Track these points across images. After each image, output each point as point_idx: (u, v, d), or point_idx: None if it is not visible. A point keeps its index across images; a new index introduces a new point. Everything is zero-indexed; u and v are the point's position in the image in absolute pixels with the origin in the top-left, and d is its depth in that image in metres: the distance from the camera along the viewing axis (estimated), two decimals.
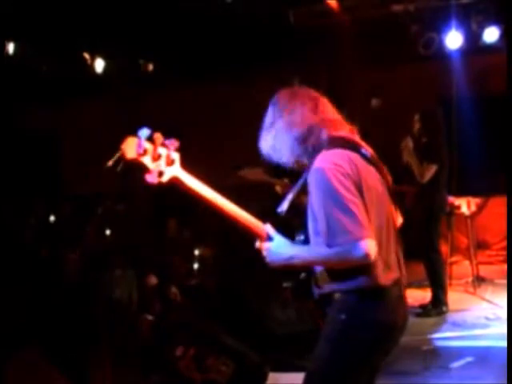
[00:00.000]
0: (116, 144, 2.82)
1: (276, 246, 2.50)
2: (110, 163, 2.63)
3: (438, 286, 6.45)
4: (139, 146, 2.29)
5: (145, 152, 2.31)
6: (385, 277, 2.44)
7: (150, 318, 5.26)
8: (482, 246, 8.53)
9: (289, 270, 2.55)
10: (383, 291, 2.44)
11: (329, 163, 2.39)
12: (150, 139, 2.33)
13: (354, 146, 2.52)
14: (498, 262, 8.48)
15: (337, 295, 2.48)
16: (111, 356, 4.76)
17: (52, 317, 5.35)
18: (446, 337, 5.76)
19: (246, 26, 7.99)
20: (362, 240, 2.29)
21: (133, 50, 8.82)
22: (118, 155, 2.72)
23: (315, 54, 8.33)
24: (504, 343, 5.12)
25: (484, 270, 7.75)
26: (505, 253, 8.45)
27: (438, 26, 8.10)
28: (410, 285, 7.57)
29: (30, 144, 10.00)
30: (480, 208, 7.91)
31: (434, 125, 6.45)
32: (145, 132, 2.32)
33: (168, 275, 6.02)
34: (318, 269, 2.52)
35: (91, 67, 8.78)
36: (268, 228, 2.54)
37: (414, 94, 8.50)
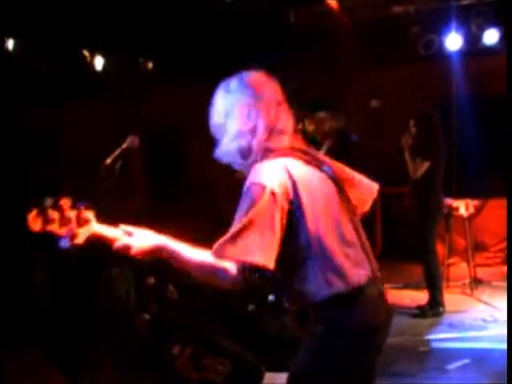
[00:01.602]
0: (116, 142, 2.82)
1: (139, 238, 2.45)
2: (109, 161, 2.63)
3: (435, 288, 6.46)
4: (43, 217, 2.28)
5: (51, 221, 2.30)
6: (356, 276, 2.36)
7: (147, 317, 5.25)
8: (479, 247, 8.54)
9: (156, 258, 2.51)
10: (358, 292, 2.36)
11: (263, 177, 2.30)
12: (56, 206, 2.31)
13: (296, 154, 2.44)
14: (495, 264, 8.49)
15: (310, 309, 2.40)
16: (109, 355, 4.76)
17: (51, 316, 5.35)
18: (442, 338, 5.76)
19: (246, 26, 7.99)
20: (235, 264, 2.26)
21: (132, 49, 8.83)
22: (116, 153, 2.72)
23: (315, 54, 8.33)
24: (501, 345, 5.13)
25: (481, 272, 7.76)
26: (502, 255, 8.46)
27: (438, 27, 8.11)
28: (407, 286, 7.60)
29: (29, 143, 10.00)
30: (478, 210, 7.92)
31: (429, 128, 6.48)
32: (47, 201, 2.32)
33: (165, 274, 6.02)
34: (285, 289, 2.46)
35: (91, 65, 8.78)
36: (123, 227, 2.48)
37: (414, 96, 8.51)
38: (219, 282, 2.35)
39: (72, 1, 6.93)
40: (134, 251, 2.44)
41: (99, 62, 8.81)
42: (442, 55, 8.33)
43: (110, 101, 9.68)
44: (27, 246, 6.77)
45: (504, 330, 5.40)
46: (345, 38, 8.34)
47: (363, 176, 2.71)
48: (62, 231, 2.32)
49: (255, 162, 2.43)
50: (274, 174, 2.32)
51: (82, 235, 2.36)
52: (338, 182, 2.51)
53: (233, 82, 2.53)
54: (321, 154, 2.66)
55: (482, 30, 7.93)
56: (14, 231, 6.95)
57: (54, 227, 2.31)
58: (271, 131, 2.44)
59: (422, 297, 6.67)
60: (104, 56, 8.84)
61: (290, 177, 2.33)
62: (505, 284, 6.85)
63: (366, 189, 2.70)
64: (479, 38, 7.97)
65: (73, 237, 2.34)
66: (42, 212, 2.29)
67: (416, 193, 6.53)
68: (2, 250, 6.23)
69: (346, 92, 8.56)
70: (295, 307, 2.49)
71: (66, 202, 2.34)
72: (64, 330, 5.12)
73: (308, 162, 2.45)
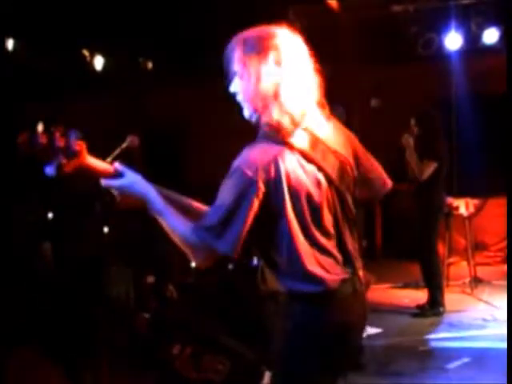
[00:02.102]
0: (116, 141, 2.82)
1: (130, 181, 2.37)
2: (109, 160, 2.62)
3: (435, 287, 6.46)
4: (34, 139, 2.20)
5: (40, 145, 2.20)
6: (333, 279, 2.30)
7: (146, 316, 5.26)
8: (479, 247, 8.55)
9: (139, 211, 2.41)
10: (331, 293, 2.29)
11: (248, 163, 2.25)
12: (47, 132, 2.23)
13: (284, 138, 2.32)
14: (495, 263, 8.50)
15: (281, 297, 2.36)
16: (108, 355, 4.76)
17: (50, 316, 5.35)
18: (442, 338, 5.76)
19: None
20: (230, 241, 2.21)
21: (132, 48, 8.83)
22: (116, 152, 2.71)
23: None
24: (501, 344, 5.13)
25: (481, 271, 7.76)
26: (502, 254, 8.47)
27: (438, 26, 8.12)
28: (407, 285, 7.60)
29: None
30: (478, 209, 7.92)
31: (431, 126, 6.47)
32: (40, 125, 2.24)
33: (165, 273, 6.02)
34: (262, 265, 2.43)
35: (91, 65, 8.78)
36: (117, 165, 2.40)
37: (414, 95, 8.51)
38: (192, 258, 2.32)
39: (72, 1, 6.93)
40: (118, 197, 2.37)
41: (99, 62, 8.82)
42: (441, 54, 8.33)
43: (110, 100, 9.68)
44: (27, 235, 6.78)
45: (504, 329, 5.40)
46: (344, 38, 8.34)
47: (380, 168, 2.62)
48: (50, 157, 2.22)
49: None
50: (259, 161, 2.25)
51: (69, 166, 2.26)
52: (331, 179, 2.39)
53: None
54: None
55: (481, 29, 7.94)
56: (14, 230, 6.97)
57: (42, 152, 2.21)
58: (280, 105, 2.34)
59: (421, 296, 6.67)
60: (104, 56, 8.84)
61: (278, 169, 2.25)
62: (505, 283, 6.85)
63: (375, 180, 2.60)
64: (479, 37, 7.97)
65: (60, 166, 2.24)
66: (32, 135, 2.19)
67: (419, 192, 6.52)
68: (1, 250, 6.24)
69: (345, 91, 8.55)
70: (268, 289, 2.45)
71: (58, 129, 2.25)
72: (64, 330, 5.12)
73: (308, 158, 2.33)
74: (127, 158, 2.59)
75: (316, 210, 2.32)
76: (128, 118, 8.97)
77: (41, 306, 5.65)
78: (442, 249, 7.30)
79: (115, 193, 2.39)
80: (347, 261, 2.39)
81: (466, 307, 6.65)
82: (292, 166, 2.28)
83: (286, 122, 2.32)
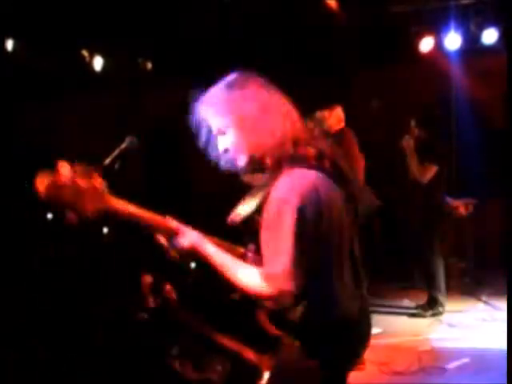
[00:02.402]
0: (114, 142, 2.82)
1: (193, 241, 2.31)
2: (108, 161, 2.62)
3: (435, 288, 6.46)
4: (55, 184, 2.05)
5: (63, 190, 2.04)
6: (349, 308, 2.34)
7: (145, 316, 5.26)
8: (479, 247, 8.54)
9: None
10: (342, 322, 2.32)
11: (295, 196, 2.19)
12: (69, 173, 2.07)
13: (317, 165, 2.33)
14: (494, 263, 8.48)
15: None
16: (108, 355, 4.77)
17: (51, 316, 5.36)
18: (441, 338, 5.76)
19: (245, 26, 7.99)
20: (289, 291, 2.19)
21: (132, 49, 8.83)
22: (115, 154, 2.71)
23: (313, 54, 8.33)
24: (500, 345, 5.13)
25: (481, 272, 7.76)
26: (501, 255, 8.46)
27: (437, 26, 8.11)
28: (407, 286, 7.60)
29: (28, 142, 10.00)
30: (477, 209, 7.92)
31: (432, 128, 6.47)
32: (64, 165, 2.06)
33: (164, 273, 6.02)
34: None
35: (90, 65, 8.78)
36: (172, 222, 2.33)
37: (413, 95, 8.51)
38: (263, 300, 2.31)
39: (71, 1, 6.93)
40: (179, 254, 2.33)
41: (98, 62, 8.81)
42: (441, 54, 8.32)
43: (110, 101, 9.68)
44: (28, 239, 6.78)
45: (503, 329, 5.41)
46: (344, 38, 8.34)
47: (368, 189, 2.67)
48: (73, 202, 2.06)
49: (277, 167, 2.32)
50: (302, 190, 2.22)
51: (93, 209, 2.11)
52: (349, 197, 2.43)
53: (227, 83, 2.42)
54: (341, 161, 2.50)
55: (481, 29, 7.93)
56: (14, 231, 6.97)
57: (66, 196, 2.05)
58: (286, 139, 2.32)
59: (421, 296, 6.68)
60: (103, 56, 8.84)
61: (319, 196, 2.24)
62: (504, 283, 6.85)
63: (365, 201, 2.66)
64: (478, 37, 7.96)
65: (84, 211, 2.09)
66: (54, 177, 2.03)
67: (419, 193, 6.52)
68: (1, 250, 6.24)
69: (345, 92, 8.55)
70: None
71: (78, 170, 2.08)
72: (63, 330, 5.12)
73: (331, 176, 2.35)
74: (126, 159, 2.59)
75: (342, 236, 2.35)
76: (127, 118, 8.97)
77: (41, 306, 5.65)
78: (441, 249, 7.30)
79: (170, 249, 2.34)
80: (358, 283, 2.43)
81: (465, 307, 6.66)
82: (325, 187, 2.28)
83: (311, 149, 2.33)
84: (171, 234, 2.31)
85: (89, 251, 6.50)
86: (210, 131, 2.41)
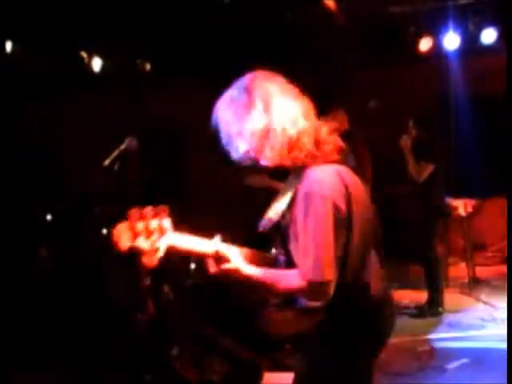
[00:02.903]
0: (114, 143, 2.82)
1: (232, 267, 2.35)
2: (107, 162, 2.62)
3: (434, 287, 6.46)
4: (131, 230, 2.06)
5: (137, 234, 2.07)
6: (379, 290, 2.44)
7: (144, 317, 5.26)
8: (478, 247, 8.54)
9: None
10: (374, 304, 2.43)
11: (325, 190, 2.26)
12: (141, 216, 2.09)
13: (339, 159, 2.41)
14: (494, 263, 8.48)
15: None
16: (108, 356, 4.77)
17: (50, 317, 5.35)
18: (441, 338, 5.76)
19: (244, 26, 7.99)
20: (328, 287, 2.24)
21: (130, 50, 8.82)
22: (114, 155, 2.71)
23: (312, 54, 8.33)
24: (500, 344, 5.14)
25: (480, 272, 7.75)
26: (501, 254, 8.46)
27: (436, 27, 8.11)
28: (406, 286, 7.59)
29: (27, 143, 9.99)
30: (477, 209, 7.92)
31: (429, 128, 6.47)
32: (135, 212, 2.08)
33: (163, 275, 6.02)
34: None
35: (89, 66, 8.78)
36: (219, 246, 2.38)
37: (412, 95, 8.52)
38: (309, 302, 2.33)
39: (69, 2, 6.92)
40: (227, 281, 2.42)
41: (97, 64, 8.81)
42: (439, 55, 8.33)
43: (109, 102, 9.67)
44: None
45: (503, 329, 5.41)
46: (342, 39, 8.33)
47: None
48: (148, 245, 2.08)
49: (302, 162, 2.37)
50: (331, 183, 2.30)
51: (162, 247, 2.13)
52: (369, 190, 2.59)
53: (238, 87, 2.45)
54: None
55: (479, 29, 7.93)
56: (13, 231, 6.97)
57: (142, 242, 2.07)
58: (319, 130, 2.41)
59: (420, 297, 6.67)
60: (102, 57, 8.84)
61: (345, 186, 2.32)
62: (503, 283, 6.85)
63: None
64: (477, 37, 7.97)
65: (156, 250, 2.10)
66: (130, 225, 2.06)
67: (418, 193, 6.52)
68: (1, 250, 6.24)
69: (343, 92, 8.55)
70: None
71: (148, 212, 2.10)
72: (63, 331, 5.12)
73: (354, 170, 2.45)
74: (125, 160, 2.60)
75: (368, 224, 2.44)
76: (127, 119, 8.96)
77: (40, 306, 5.65)
78: (440, 249, 7.30)
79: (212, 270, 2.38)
80: (382, 264, 2.56)
81: (465, 307, 6.65)
82: (350, 178, 2.37)
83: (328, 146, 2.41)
84: (217, 259, 2.36)
85: (88, 252, 6.50)
86: (229, 133, 2.43)
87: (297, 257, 2.32)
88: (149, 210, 2.09)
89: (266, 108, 2.35)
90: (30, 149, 9.73)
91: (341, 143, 2.45)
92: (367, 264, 2.43)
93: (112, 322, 5.19)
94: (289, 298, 2.40)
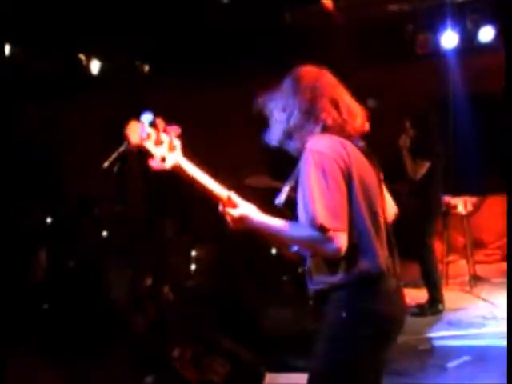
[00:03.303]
0: (113, 145, 2.82)
1: (242, 212, 2.49)
2: (107, 164, 2.62)
3: (433, 285, 6.47)
4: (142, 130, 2.33)
5: (148, 137, 2.35)
6: (384, 259, 2.44)
7: (144, 318, 5.26)
8: (478, 245, 8.54)
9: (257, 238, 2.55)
10: (381, 280, 2.41)
11: (321, 147, 2.41)
12: (153, 124, 2.36)
13: (348, 135, 2.55)
14: (494, 261, 8.49)
15: (333, 294, 2.43)
16: (108, 357, 4.77)
17: (50, 316, 5.36)
18: (442, 336, 5.76)
19: (244, 26, 7.99)
20: (338, 233, 2.29)
21: (129, 52, 8.82)
22: (114, 156, 2.72)
23: (311, 54, 8.32)
24: (500, 342, 5.14)
25: (480, 269, 7.76)
26: (501, 252, 8.47)
27: (434, 25, 8.11)
28: (406, 284, 7.59)
29: (27, 143, 9.99)
30: (476, 207, 7.92)
31: (426, 127, 6.49)
32: (147, 117, 2.35)
33: (164, 276, 6.03)
34: (310, 260, 2.51)
35: (87, 68, 8.78)
36: (232, 195, 2.53)
37: (410, 94, 8.51)
38: (323, 253, 2.38)
39: (68, 4, 6.92)
40: (234, 226, 2.52)
41: (95, 66, 8.81)
42: (437, 53, 8.33)
43: (109, 103, 9.67)
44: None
45: (503, 327, 5.41)
46: (340, 38, 8.33)
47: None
48: (156, 151, 2.36)
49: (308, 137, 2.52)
50: (332, 145, 2.43)
51: (170, 160, 2.40)
52: (381, 180, 2.65)
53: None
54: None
55: (477, 27, 7.92)
56: (13, 232, 6.97)
57: (150, 145, 2.35)
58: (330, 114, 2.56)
59: (420, 295, 6.68)
60: (100, 59, 8.84)
61: (346, 151, 2.44)
62: (504, 281, 6.86)
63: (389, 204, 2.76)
64: (475, 35, 7.96)
65: (163, 159, 2.37)
66: (141, 126, 2.33)
67: (416, 191, 6.54)
68: (1, 250, 6.24)
69: None
70: (317, 287, 2.49)
71: (160, 123, 2.37)
72: (64, 332, 5.12)
73: (360, 149, 2.57)
74: (125, 162, 2.60)
75: (375, 197, 2.51)
76: (125, 120, 8.97)
77: (40, 306, 5.65)
78: (440, 247, 7.31)
79: (228, 219, 2.53)
80: (392, 253, 2.55)
81: (465, 305, 6.66)
82: (356, 155, 2.48)
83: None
84: (227, 205, 2.52)
85: (88, 253, 6.51)
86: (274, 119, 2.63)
87: (301, 216, 2.38)
88: (159, 121, 2.35)
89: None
90: (29, 149, 9.74)
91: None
92: (377, 241, 2.44)
93: (112, 322, 5.20)
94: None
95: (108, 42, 8.18)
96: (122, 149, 2.91)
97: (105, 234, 6.73)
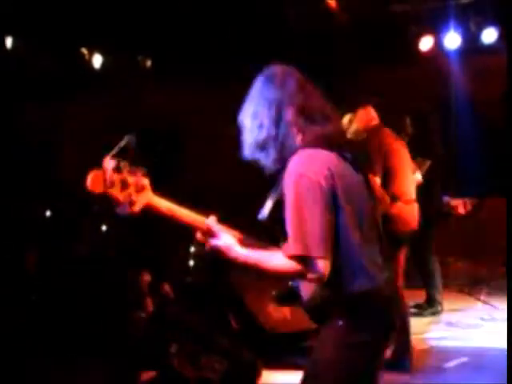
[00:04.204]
0: (115, 141, 2.82)
1: (220, 245, 2.43)
2: (108, 159, 2.62)
3: (432, 286, 6.46)
4: (105, 179, 2.21)
5: (112, 184, 2.22)
6: (378, 276, 2.38)
7: (143, 315, 5.26)
8: (477, 246, 8.54)
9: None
10: (373, 296, 2.36)
11: (304, 169, 2.29)
12: (116, 169, 2.24)
13: (330, 145, 2.42)
14: (493, 262, 8.49)
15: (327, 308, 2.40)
16: (106, 353, 4.76)
17: (48, 316, 5.35)
18: (440, 337, 5.77)
19: (245, 26, 7.99)
20: (319, 260, 2.22)
21: (131, 46, 8.82)
22: (114, 151, 2.72)
23: (313, 54, 8.33)
24: (499, 344, 5.14)
25: (479, 271, 7.76)
26: (500, 254, 8.46)
27: (437, 26, 8.11)
28: (405, 285, 7.59)
29: (28, 142, 10.00)
30: (476, 209, 7.92)
31: (425, 126, 6.48)
32: (110, 163, 2.23)
33: (162, 273, 6.02)
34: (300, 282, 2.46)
35: (89, 63, 8.77)
36: (211, 224, 2.45)
37: (412, 95, 8.51)
38: (305, 280, 2.32)
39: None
40: (213, 255, 2.46)
41: (97, 60, 8.81)
42: (440, 54, 8.33)
43: (110, 99, 9.67)
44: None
45: (502, 329, 5.41)
46: (343, 38, 8.33)
47: None
48: (123, 197, 2.25)
49: (284, 156, 2.40)
50: (314, 165, 2.31)
51: (139, 203, 2.30)
52: (368, 182, 2.55)
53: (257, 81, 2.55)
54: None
55: (480, 28, 7.93)
56: (13, 231, 6.97)
57: (116, 191, 2.23)
58: (299, 123, 2.42)
59: (419, 296, 6.68)
60: (102, 54, 8.83)
61: (330, 170, 2.31)
62: (503, 282, 6.86)
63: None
64: (478, 36, 7.96)
65: (131, 203, 2.27)
66: (104, 174, 2.21)
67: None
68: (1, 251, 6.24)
69: (344, 91, 8.54)
70: (312, 304, 2.46)
71: (125, 166, 2.27)
72: (63, 330, 5.12)
73: (339, 154, 2.44)
74: (125, 158, 2.60)
75: (364, 211, 2.42)
76: (127, 116, 8.96)
77: (39, 305, 5.65)
78: (440, 248, 7.30)
79: (207, 248, 2.47)
80: (384, 257, 2.48)
81: (464, 306, 6.66)
82: (340, 170, 2.36)
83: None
84: (207, 234, 2.45)
85: (87, 251, 6.50)
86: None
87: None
88: (124, 164, 2.25)
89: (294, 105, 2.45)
90: (29, 149, 9.74)
91: (333, 134, 2.50)
92: (365, 252, 2.38)
93: (112, 322, 5.19)
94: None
95: (110, 37, 8.18)
96: (122, 144, 2.91)
97: (104, 229, 6.73)
